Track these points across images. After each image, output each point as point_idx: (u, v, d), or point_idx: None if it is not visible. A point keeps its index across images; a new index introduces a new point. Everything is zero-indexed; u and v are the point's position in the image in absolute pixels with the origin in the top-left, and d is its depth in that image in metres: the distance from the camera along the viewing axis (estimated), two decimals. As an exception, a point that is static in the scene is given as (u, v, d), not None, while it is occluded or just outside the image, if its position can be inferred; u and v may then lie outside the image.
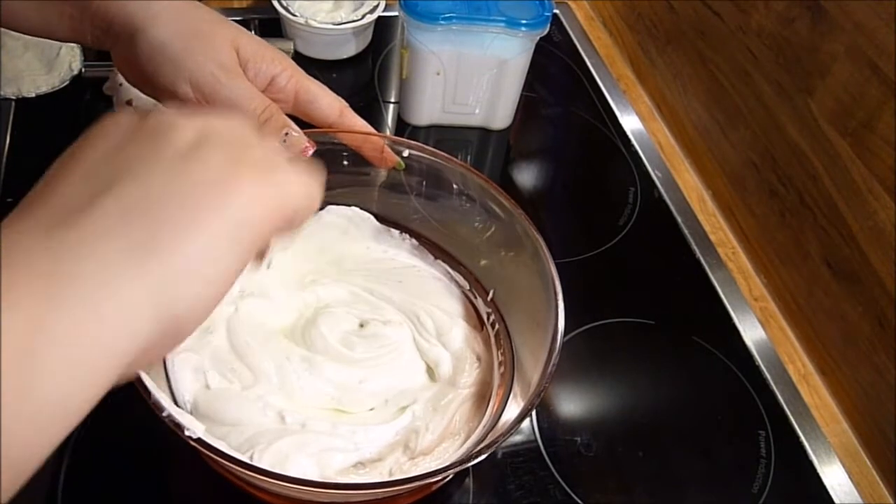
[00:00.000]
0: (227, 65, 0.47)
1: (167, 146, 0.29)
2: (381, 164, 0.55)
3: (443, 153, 0.54)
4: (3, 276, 0.24)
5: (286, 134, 0.48)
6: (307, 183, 0.33)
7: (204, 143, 0.30)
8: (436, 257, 0.58)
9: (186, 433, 0.38)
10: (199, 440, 0.38)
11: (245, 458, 0.41)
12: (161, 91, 0.48)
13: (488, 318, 0.55)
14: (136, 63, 0.47)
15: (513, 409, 0.47)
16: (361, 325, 0.53)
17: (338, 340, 0.50)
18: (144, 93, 0.50)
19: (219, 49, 0.47)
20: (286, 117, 0.48)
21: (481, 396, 0.51)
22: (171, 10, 0.47)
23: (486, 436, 0.47)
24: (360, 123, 0.53)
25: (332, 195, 0.57)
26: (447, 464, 0.43)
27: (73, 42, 0.51)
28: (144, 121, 0.31)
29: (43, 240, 0.26)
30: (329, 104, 0.52)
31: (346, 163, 0.55)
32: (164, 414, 0.38)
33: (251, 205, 0.29)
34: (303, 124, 0.50)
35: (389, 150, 0.54)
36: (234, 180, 0.29)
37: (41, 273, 0.25)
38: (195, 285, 0.28)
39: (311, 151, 0.49)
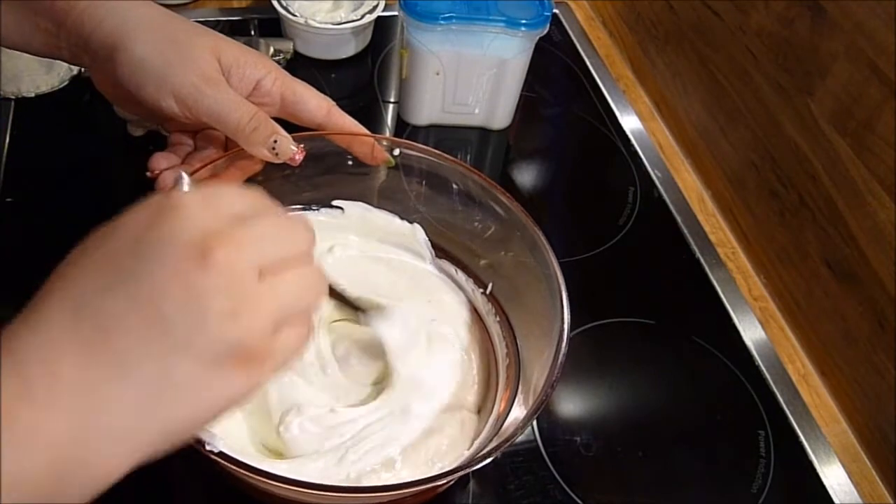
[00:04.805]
0: (209, 74, 0.47)
1: (178, 246, 0.29)
2: (372, 161, 0.54)
3: (440, 152, 0.54)
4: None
5: (275, 141, 0.47)
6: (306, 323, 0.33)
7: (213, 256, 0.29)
8: (437, 256, 0.58)
9: (208, 448, 0.38)
10: (220, 454, 0.38)
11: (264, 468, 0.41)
12: (144, 108, 0.47)
13: (488, 313, 0.55)
14: (118, 81, 0.46)
15: (516, 412, 0.47)
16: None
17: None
18: (127, 111, 0.49)
19: (199, 59, 0.46)
20: (274, 123, 0.48)
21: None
22: (147, 23, 0.46)
23: (492, 438, 0.46)
24: (349, 122, 0.52)
25: (331, 195, 0.57)
26: (453, 467, 0.43)
27: (50, 58, 0.50)
28: (162, 210, 0.30)
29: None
30: (316, 104, 0.51)
31: (350, 163, 0.55)
32: None
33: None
34: (291, 127, 0.50)
35: (379, 147, 0.54)
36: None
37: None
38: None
39: (300, 157, 0.48)
